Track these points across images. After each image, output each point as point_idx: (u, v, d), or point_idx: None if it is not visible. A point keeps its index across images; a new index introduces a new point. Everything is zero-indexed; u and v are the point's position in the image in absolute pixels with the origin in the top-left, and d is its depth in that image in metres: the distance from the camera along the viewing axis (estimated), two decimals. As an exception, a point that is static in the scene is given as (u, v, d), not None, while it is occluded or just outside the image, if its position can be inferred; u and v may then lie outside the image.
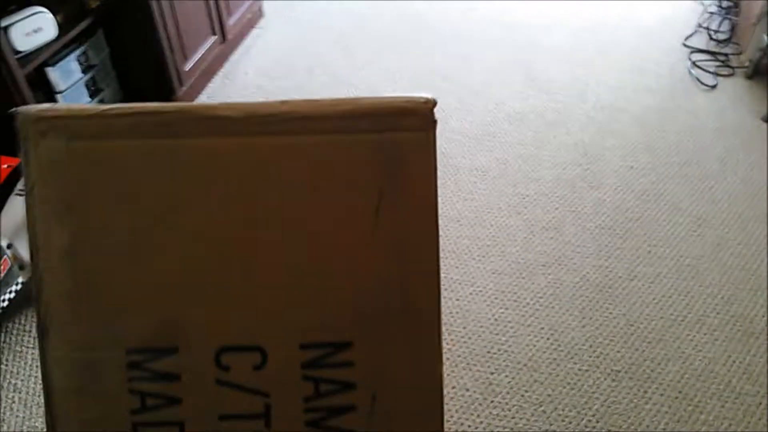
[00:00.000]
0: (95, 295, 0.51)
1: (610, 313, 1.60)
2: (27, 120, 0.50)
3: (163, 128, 0.51)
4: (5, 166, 1.59)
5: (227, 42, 2.51)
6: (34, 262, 0.50)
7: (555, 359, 1.50)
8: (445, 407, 1.40)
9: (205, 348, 0.51)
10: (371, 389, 0.52)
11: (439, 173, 1.84)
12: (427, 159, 0.56)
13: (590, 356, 1.50)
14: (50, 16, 1.71)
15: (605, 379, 1.45)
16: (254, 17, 2.75)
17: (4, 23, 1.59)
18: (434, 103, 0.55)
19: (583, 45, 2.66)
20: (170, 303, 0.52)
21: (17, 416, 1.40)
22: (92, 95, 2.02)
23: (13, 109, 0.53)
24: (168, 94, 2.21)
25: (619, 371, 1.47)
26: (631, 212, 1.88)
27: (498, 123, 2.24)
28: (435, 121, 0.56)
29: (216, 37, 2.42)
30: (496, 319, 1.59)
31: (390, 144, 0.54)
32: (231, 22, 2.51)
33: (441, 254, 1.82)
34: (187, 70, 2.25)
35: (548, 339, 1.54)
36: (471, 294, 1.65)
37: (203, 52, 2.34)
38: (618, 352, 1.51)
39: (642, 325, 1.56)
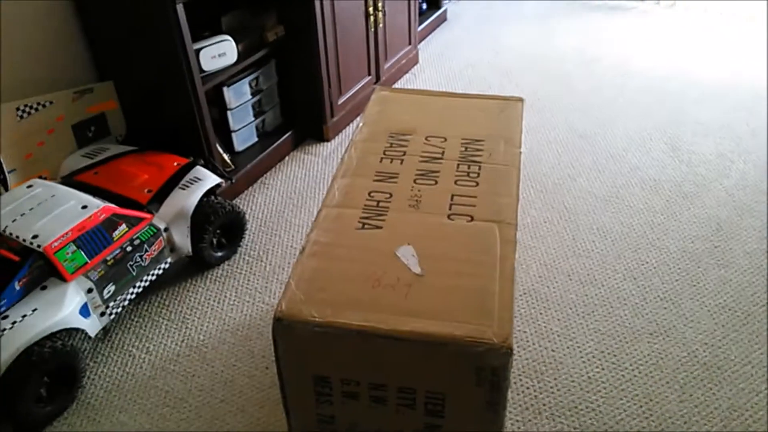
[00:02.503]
0: (385, 124, 1.50)
1: (714, 394, 1.52)
2: (376, 92, 1.64)
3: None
4: (175, 164, 1.87)
5: (380, 82, 2.73)
6: (353, 138, 1.46)
7: (645, 428, 1.46)
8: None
9: (421, 135, 1.44)
10: (488, 165, 1.34)
11: (557, 227, 2.06)
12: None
13: (683, 433, 1.44)
14: (233, 44, 2.01)
15: (695, 458, 1.39)
16: (409, 63, 2.97)
17: (197, 46, 1.89)
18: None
19: (736, 122, 2.56)
20: (410, 123, 1.48)
21: (144, 374, 1.62)
22: (256, 116, 2.30)
23: (375, 85, 1.84)
24: (320, 123, 2.46)
25: (712, 454, 1.40)
26: (757, 296, 1.78)
27: (629, 187, 2.22)
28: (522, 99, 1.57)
29: (370, 77, 2.64)
30: (589, 378, 1.58)
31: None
32: (387, 65, 2.73)
33: (544, 305, 1.92)
34: (339, 103, 2.48)
35: (641, 407, 1.50)
36: (568, 348, 1.65)
37: (357, 89, 2.57)
38: (715, 434, 1.44)
39: (747, 413, 1.47)
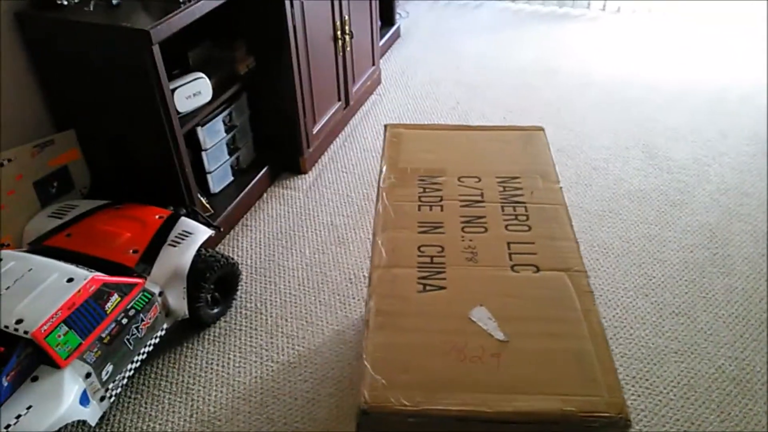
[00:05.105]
0: (409, 165, 1.38)
1: (750, 409, 1.52)
2: (389, 130, 1.49)
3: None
4: (157, 216, 1.70)
5: (349, 107, 2.62)
6: (381, 185, 1.34)
7: (693, 455, 1.43)
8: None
9: (452, 175, 1.34)
10: (533, 205, 1.26)
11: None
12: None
13: (733, 455, 1.42)
14: (208, 81, 1.85)
15: (751, 482, 1.37)
16: (373, 84, 2.87)
17: (171, 86, 1.73)
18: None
19: (703, 125, 2.62)
20: (436, 163, 1.38)
21: (156, 460, 1.45)
22: (230, 153, 2.15)
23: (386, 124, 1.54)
24: (296, 156, 2.33)
25: (766, 475, 1.38)
26: (765, 303, 1.80)
27: (618, 200, 2.22)
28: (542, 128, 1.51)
29: (341, 102, 2.54)
30: (627, 406, 1.54)
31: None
32: (354, 88, 2.63)
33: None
34: (314, 132, 2.36)
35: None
36: (599, 376, 1.61)
37: (329, 116, 2.45)
38: (763, 454, 1.42)
39: (788, 426, 1.48)
